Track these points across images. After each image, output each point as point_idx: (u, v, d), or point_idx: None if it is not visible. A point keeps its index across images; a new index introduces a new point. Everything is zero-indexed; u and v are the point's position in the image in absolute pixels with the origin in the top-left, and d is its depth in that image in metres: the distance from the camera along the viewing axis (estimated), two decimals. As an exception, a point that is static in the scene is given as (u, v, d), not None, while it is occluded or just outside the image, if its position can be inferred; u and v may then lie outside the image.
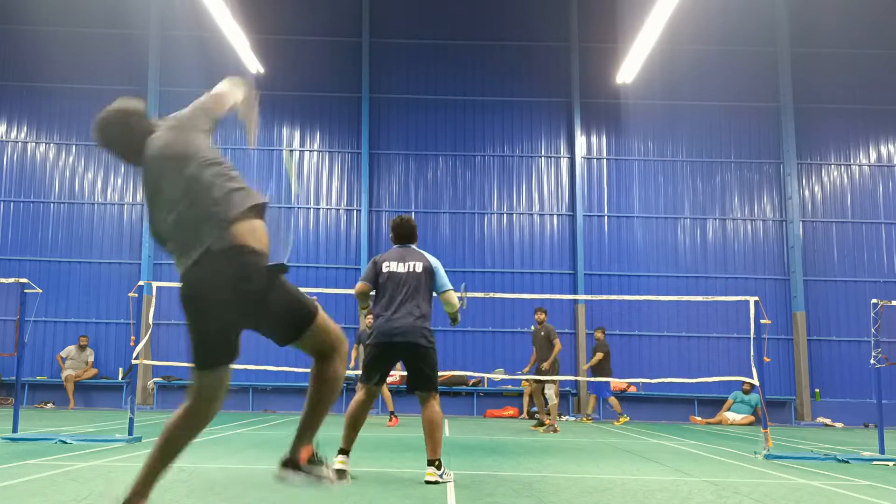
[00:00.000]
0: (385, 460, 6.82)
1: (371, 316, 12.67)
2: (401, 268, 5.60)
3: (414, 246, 5.87)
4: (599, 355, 14.58)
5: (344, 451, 5.44)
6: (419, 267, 5.63)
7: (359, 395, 5.52)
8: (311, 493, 4.77)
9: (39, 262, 16.87)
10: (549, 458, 7.44)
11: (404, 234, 5.88)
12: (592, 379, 14.26)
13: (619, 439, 10.38)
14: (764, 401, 8.07)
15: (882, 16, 17.47)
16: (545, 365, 11.67)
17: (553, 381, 11.64)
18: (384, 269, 5.62)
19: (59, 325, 16.61)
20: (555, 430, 11.29)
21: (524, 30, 17.95)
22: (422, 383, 5.42)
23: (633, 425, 14.10)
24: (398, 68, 17.91)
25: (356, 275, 16.92)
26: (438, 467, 5.22)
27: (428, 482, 5.13)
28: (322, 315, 3.38)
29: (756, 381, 8.20)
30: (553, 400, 11.66)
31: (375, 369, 5.48)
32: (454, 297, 5.80)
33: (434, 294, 5.75)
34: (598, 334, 14.89)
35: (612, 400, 14.83)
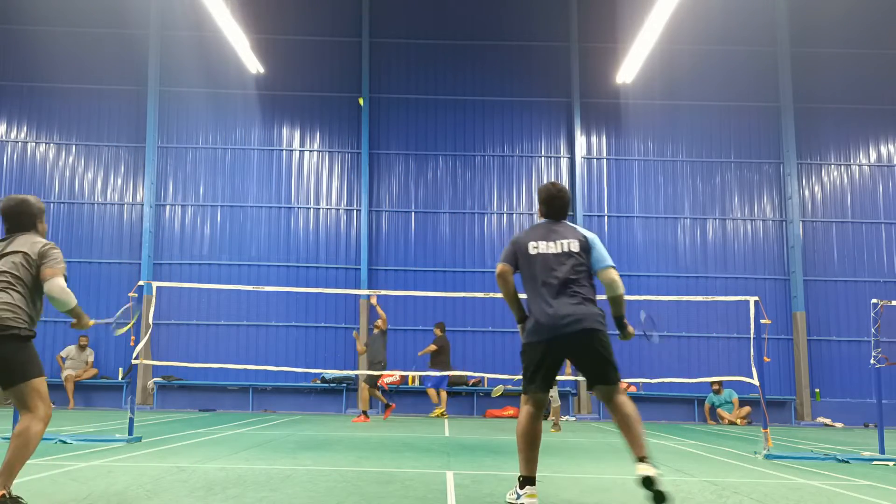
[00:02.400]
0: (385, 460, 6.81)
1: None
2: (552, 247, 4.59)
3: (565, 221, 4.83)
4: (432, 347, 14.88)
5: (530, 480, 4.52)
6: (575, 245, 4.61)
7: (525, 408, 4.57)
8: (311, 493, 4.77)
9: (39, 262, 16.84)
10: (549, 458, 7.43)
11: (560, 207, 4.77)
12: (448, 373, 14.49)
13: (619, 439, 10.35)
14: (764, 401, 8.07)
15: (882, 16, 17.47)
16: (567, 370, 11.91)
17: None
18: (531, 251, 4.59)
19: (59, 325, 16.59)
20: (558, 429, 11.50)
21: (524, 30, 17.95)
22: (609, 374, 4.51)
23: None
24: (398, 68, 17.91)
25: (356, 275, 16.93)
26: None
27: (648, 479, 4.17)
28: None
29: (756, 381, 8.20)
30: (556, 402, 11.88)
31: (542, 372, 4.51)
32: (616, 276, 4.71)
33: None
34: (437, 330, 15.15)
35: (430, 392, 15.05)
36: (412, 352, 15.82)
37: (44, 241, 4.38)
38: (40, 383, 4.07)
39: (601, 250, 4.69)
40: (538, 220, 4.84)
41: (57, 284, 4.16)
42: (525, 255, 4.62)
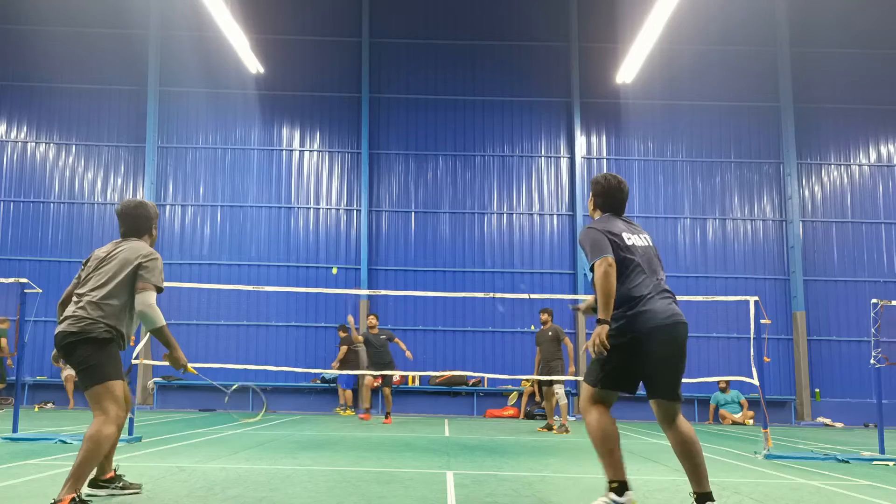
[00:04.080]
0: (385, 460, 6.81)
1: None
2: (640, 240, 4.19)
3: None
4: (344, 349, 15.19)
5: (625, 485, 3.98)
6: (650, 241, 4.30)
7: (595, 408, 4.11)
8: (311, 493, 4.77)
9: (39, 262, 16.87)
10: (549, 458, 7.43)
11: (622, 201, 4.38)
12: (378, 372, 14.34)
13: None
14: (764, 401, 8.07)
15: (882, 16, 17.47)
16: (571, 368, 11.85)
17: (561, 381, 11.56)
18: (626, 241, 4.12)
19: (59, 325, 16.61)
20: (566, 430, 11.22)
21: (524, 30, 17.95)
22: (679, 387, 4.01)
23: (634, 425, 14.09)
24: (398, 68, 17.91)
25: (356, 274, 16.92)
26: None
27: None
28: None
29: (756, 381, 8.20)
30: (564, 399, 11.64)
31: (622, 368, 4.04)
32: None
33: None
34: (342, 332, 15.41)
35: (347, 393, 15.42)
36: (412, 351, 15.80)
37: (148, 251, 4.31)
38: (114, 386, 4.05)
39: None
40: (595, 215, 4.39)
41: (142, 300, 4.11)
42: (623, 244, 4.09)
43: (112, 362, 4.09)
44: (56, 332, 4.13)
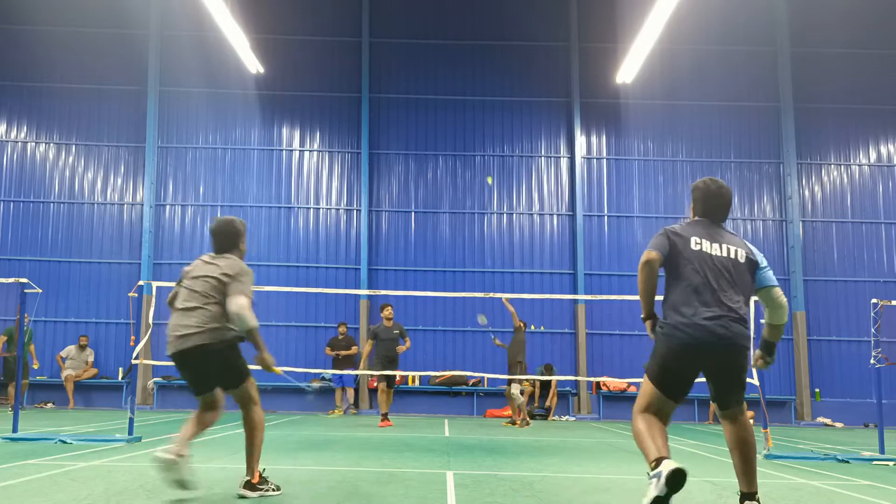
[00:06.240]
0: (385, 460, 6.81)
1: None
2: (716, 249, 4.00)
3: (726, 227, 4.24)
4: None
5: (658, 461, 3.66)
6: (742, 255, 4.04)
7: (644, 415, 3.95)
8: (311, 493, 4.77)
9: (39, 262, 16.87)
10: (549, 458, 7.43)
11: (719, 208, 4.20)
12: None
13: (619, 439, 10.39)
14: (764, 401, 8.07)
15: (882, 16, 17.46)
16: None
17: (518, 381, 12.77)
18: (693, 246, 3.99)
19: (59, 325, 16.61)
20: (527, 424, 12.27)
21: (524, 30, 17.94)
22: (740, 393, 4.04)
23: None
24: (398, 68, 17.91)
25: (356, 275, 16.92)
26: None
27: None
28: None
29: (756, 381, 8.20)
30: (519, 398, 12.79)
31: (676, 379, 3.96)
32: (782, 296, 4.16)
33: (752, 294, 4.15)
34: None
35: (349, 391, 15.77)
36: (412, 352, 15.81)
37: (239, 264, 4.78)
38: (253, 380, 4.86)
39: (770, 271, 4.16)
40: (691, 218, 4.28)
41: (235, 302, 4.54)
42: (685, 248, 3.98)
43: (243, 360, 4.86)
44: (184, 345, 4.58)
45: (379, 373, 11.97)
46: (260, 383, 14.01)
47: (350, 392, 15.93)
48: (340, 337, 15.76)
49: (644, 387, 4.01)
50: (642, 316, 4.07)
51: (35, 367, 15.32)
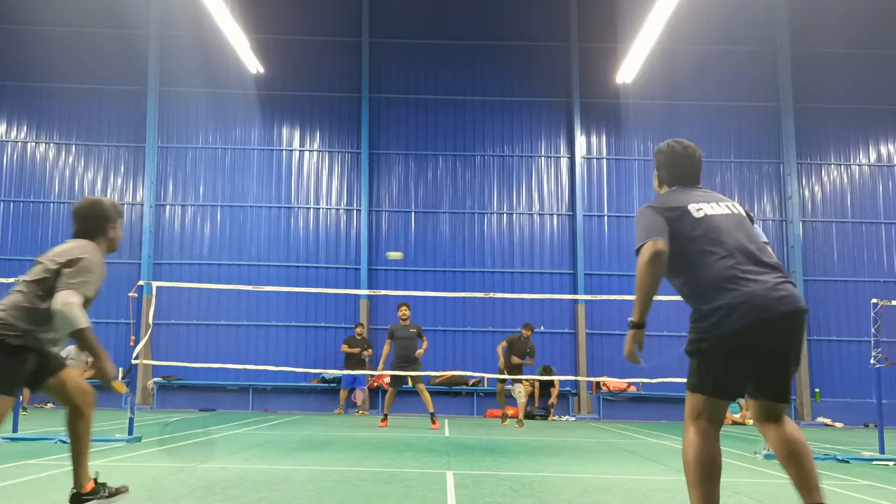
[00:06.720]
0: (385, 460, 6.81)
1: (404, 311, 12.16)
2: (718, 208, 3.34)
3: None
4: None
5: None
6: (740, 208, 3.45)
7: (697, 424, 3.22)
8: (311, 493, 4.77)
9: (39, 262, 16.84)
10: (549, 458, 7.43)
11: (692, 170, 3.57)
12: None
13: (619, 439, 10.39)
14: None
15: (882, 16, 17.46)
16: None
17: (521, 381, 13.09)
18: (695, 214, 3.29)
19: (59, 325, 16.60)
20: (522, 426, 12.49)
21: (524, 30, 17.95)
22: (783, 389, 3.26)
23: (634, 425, 14.09)
24: (398, 68, 17.91)
25: (356, 275, 16.92)
26: None
27: None
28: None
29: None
30: (523, 397, 13.08)
31: (738, 373, 3.20)
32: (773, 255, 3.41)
33: None
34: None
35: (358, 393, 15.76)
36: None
37: (83, 251, 3.90)
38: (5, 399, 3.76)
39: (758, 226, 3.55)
40: (659, 191, 3.61)
41: (60, 297, 3.60)
42: (688, 220, 3.26)
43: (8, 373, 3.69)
44: None
45: (392, 373, 11.67)
46: (259, 383, 14.02)
47: (359, 393, 15.79)
48: (358, 338, 15.73)
49: (692, 401, 3.25)
50: (634, 320, 3.27)
51: None
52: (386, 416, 12.02)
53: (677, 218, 3.27)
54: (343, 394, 15.80)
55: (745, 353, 3.11)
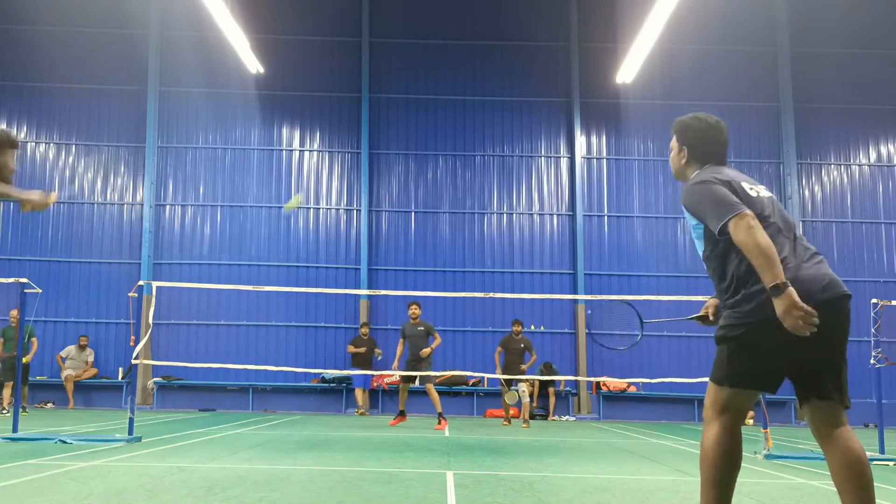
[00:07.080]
0: (385, 460, 6.81)
1: (414, 307, 12.20)
2: (763, 191, 3.19)
3: None
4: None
5: None
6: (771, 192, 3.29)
7: (723, 418, 3.13)
8: (311, 493, 4.77)
9: (39, 262, 16.86)
10: (549, 458, 7.43)
11: (724, 145, 3.35)
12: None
13: (619, 439, 10.39)
14: (764, 401, 8.07)
15: (882, 16, 17.47)
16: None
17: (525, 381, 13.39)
18: (750, 192, 3.11)
19: (59, 325, 16.60)
20: (528, 426, 12.67)
21: (524, 30, 17.94)
22: (841, 385, 3.08)
23: (634, 425, 14.09)
24: (398, 68, 17.91)
25: (356, 275, 16.92)
26: None
27: None
28: None
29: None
30: (527, 397, 13.32)
31: (777, 361, 3.05)
32: None
33: None
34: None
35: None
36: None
37: None
38: None
39: None
40: (689, 172, 3.31)
41: None
42: (747, 198, 3.05)
43: None
44: None
45: (402, 373, 11.64)
46: (259, 383, 14.05)
47: (359, 393, 15.78)
48: (364, 338, 15.74)
49: (718, 394, 3.11)
50: (778, 283, 2.77)
51: (25, 360, 15.01)
52: (402, 411, 11.92)
53: (737, 191, 3.05)
54: (359, 393, 15.62)
55: (787, 342, 2.87)
